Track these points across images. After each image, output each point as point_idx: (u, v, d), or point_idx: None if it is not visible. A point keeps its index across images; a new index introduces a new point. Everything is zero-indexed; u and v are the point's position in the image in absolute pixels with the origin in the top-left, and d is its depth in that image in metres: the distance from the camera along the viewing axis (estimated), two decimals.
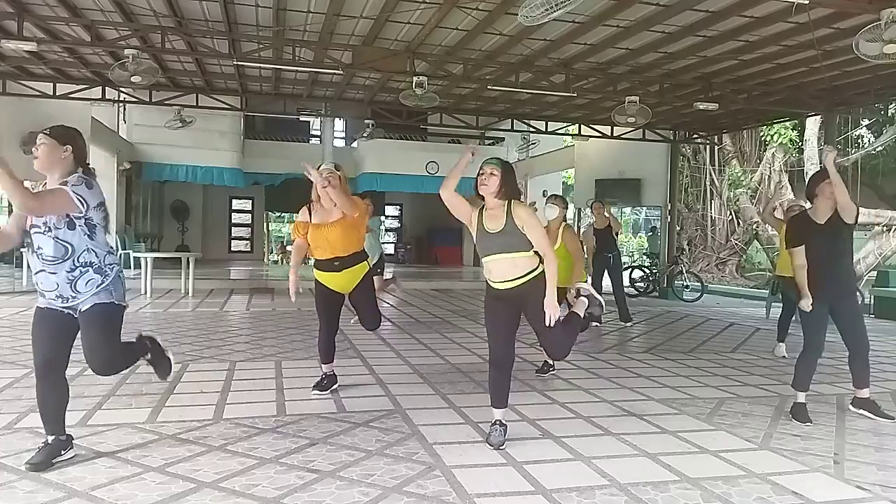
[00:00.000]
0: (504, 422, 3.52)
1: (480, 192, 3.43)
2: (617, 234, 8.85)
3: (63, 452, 3.05)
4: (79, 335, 3.03)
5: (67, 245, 2.94)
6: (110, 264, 3.08)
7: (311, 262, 4.58)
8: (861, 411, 4.28)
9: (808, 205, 4.32)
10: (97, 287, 3.00)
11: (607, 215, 8.60)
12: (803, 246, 4.11)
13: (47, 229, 2.94)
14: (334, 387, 4.54)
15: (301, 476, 2.96)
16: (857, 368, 4.29)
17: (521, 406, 4.26)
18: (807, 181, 4.39)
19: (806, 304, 4.05)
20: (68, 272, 2.96)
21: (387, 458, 3.22)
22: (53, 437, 3.04)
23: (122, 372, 3.38)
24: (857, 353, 4.26)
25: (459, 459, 3.23)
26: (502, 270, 3.40)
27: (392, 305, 10.24)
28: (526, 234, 3.34)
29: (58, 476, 2.89)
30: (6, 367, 5.07)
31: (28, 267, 3.08)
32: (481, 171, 3.43)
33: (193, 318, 8.17)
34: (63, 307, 3.01)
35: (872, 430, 3.98)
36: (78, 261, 2.97)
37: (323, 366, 4.57)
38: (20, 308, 8.63)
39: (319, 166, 4.39)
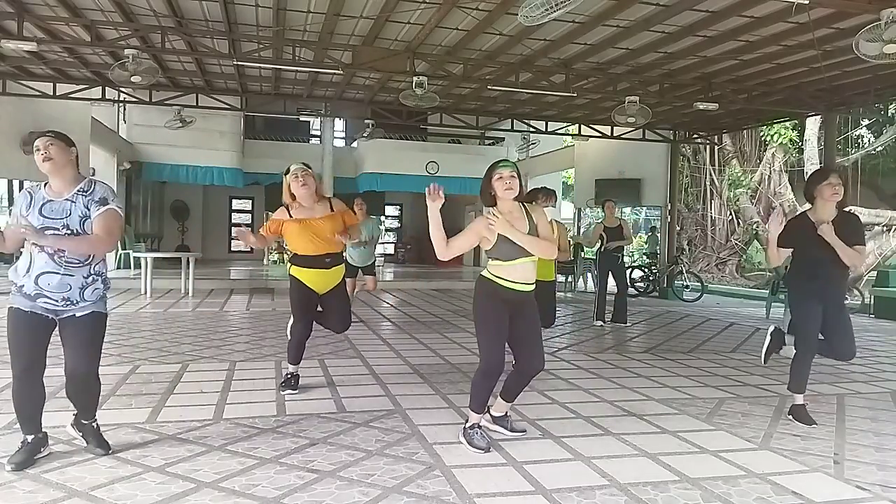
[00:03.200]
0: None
1: (503, 196, 3.37)
2: (629, 241, 8.89)
3: (42, 450, 3.11)
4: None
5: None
6: (107, 276, 3.18)
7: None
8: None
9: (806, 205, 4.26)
10: (99, 297, 3.10)
11: (619, 219, 8.66)
12: (791, 249, 4.04)
13: (70, 232, 2.96)
14: (299, 380, 4.55)
15: (301, 476, 2.96)
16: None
17: (521, 406, 4.26)
18: (805, 181, 4.33)
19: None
20: (84, 277, 3.02)
21: (387, 458, 3.22)
22: (32, 436, 3.08)
23: (110, 377, 3.37)
24: (844, 356, 4.14)
25: (459, 459, 3.23)
26: (526, 273, 3.39)
27: (392, 305, 10.24)
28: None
29: (58, 476, 2.89)
30: (6, 367, 5.06)
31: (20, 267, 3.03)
32: (500, 175, 3.36)
33: (193, 318, 8.16)
34: (53, 310, 3.00)
35: (872, 430, 3.98)
36: (94, 268, 3.06)
37: (290, 366, 4.55)
38: None
39: (290, 167, 4.42)
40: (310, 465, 3.10)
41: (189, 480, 2.88)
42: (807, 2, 5.69)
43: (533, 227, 3.39)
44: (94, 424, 3.26)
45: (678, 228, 15.31)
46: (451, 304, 10.72)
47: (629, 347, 6.95)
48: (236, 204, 20.86)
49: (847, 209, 4.17)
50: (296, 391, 4.46)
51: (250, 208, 21.01)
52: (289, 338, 4.60)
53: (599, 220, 8.81)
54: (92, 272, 3.05)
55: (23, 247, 3.06)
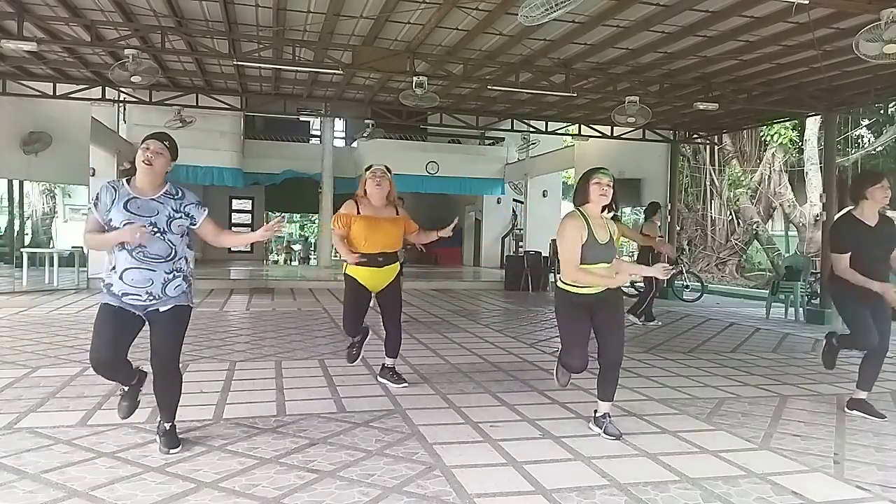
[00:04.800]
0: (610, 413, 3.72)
1: (596, 202, 3.57)
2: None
3: (142, 389, 3.44)
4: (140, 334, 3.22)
5: (172, 246, 3.16)
6: (189, 272, 3.32)
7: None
8: (854, 412, 4.27)
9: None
10: (181, 293, 3.24)
11: (657, 221, 8.98)
12: (850, 254, 4.07)
13: (156, 230, 3.10)
14: (367, 338, 4.81)
15: (301, 476, 2.96)
16: (869, 369, 4.26)
17: (521, 406, 4.27)
18: (852, 180, 4.41)
19: (886, 289, 3.98)
20: (167, 273, 3.16)
21: (387, 458, 3.22)
22: (128, 385, 3.38)
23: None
24: (875, 353, 4.22)
25: (459, 459, 3.23)
26: (600, 279, 3.58)
27: None
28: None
29: (58, 476, 2.89)
30: (6, 367, 5.07)
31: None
32: (598, 181, 3.55)
33: (193, 318, 8.12)
34: (140, 306, 3.13)
35: (872, 430, 3.98)
36: (175, 263, 3.19)
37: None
38: (20, 308, 8.63)
39: (370, 166, 4.59)
40: (310, 465, 3.10)
41: (189, 480, 2.88)
42: (807, 2, 5.69)
43: (612, 238, 3.61)
44: (167, 425, 3.33)
45: (678, 228, 15.30)
46: (452, 304, 10.72)
47: (629, 347, 6.92)
48: (236, 204, 20.87)
49: (886, 213, 4.28)
50: (357, 359, 4.77)
51: (250, 208, 21.02)
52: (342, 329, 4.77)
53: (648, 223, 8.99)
54: (174, 268, 3.19)
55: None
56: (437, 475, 3.01)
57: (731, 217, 19.69)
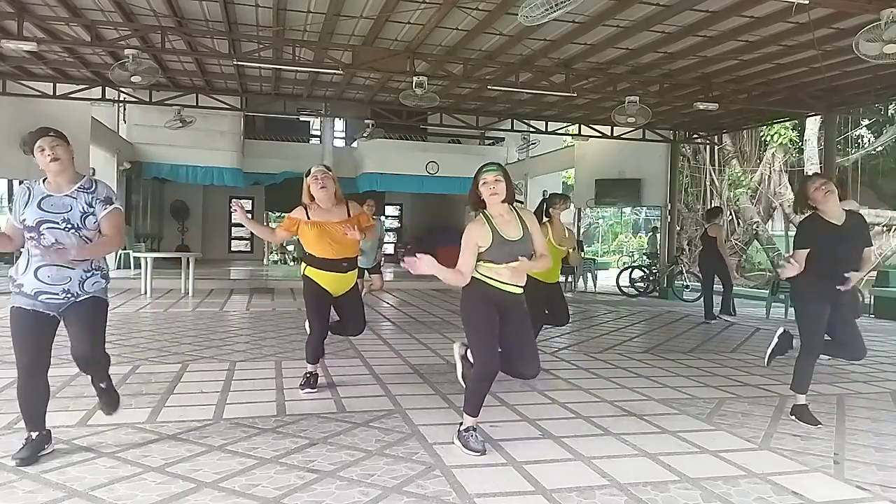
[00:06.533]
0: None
1: (489, 201, 3.33)
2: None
3: (46, 447, 3.15)
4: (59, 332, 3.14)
5: (88, 243, 3.08)
6: (107, 270, 3.25)
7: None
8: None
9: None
10: (100, 289, 3.17)
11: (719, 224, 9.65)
12: (808, 250, 3.95)
13: (70, 227, 3.03)
14: (318, 379, 4.62)
15: (301, 476, 2.96)
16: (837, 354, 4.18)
17: (521, 406, 4.26)
18: (797, 189, 4.24)
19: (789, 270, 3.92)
20: (85, 271, 3.09)
21: (387, 458, 3.22)
22: (37, 433, 3.12)
23: (109, 373, 3.40)
24: (846, 349, 4.12)
25: (459, 459, 3.22)
26: (518, 275, 3.34)
27: (392, 305, 10.24)
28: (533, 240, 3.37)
29: (58, 476, 2.89)
30: (6, 367, 5.06)
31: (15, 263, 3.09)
32: (484, 181, 3.32)
33: (193, 318, 8.16)
34: (55, 305, 3.05)
35: (872, 430, 3.98)
36: (93, 263, 3.13)
37: (309, 366, 4.58)
38: None
39: (310, 168, 4.45)
40: (310, 465, 3.10)
41: (189, 480, 2.88)
42: (807, 2, 5.69)
43: (527, 232, 3.35)
44: (103, 385, 3.36)
45: (678, 228, 15.31)
46: (452, 304, 10.72)
47: (629, 347, 6.94)
48: (236, 204, 20.85)
49: (850, 208, 4.16)
50: (315, 390, 4.49)
51: (250, 208, 21.00)
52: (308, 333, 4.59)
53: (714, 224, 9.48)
54: (92, 266, 3.12)
55: (23, 246, 3.10)
56: (437, 475, 3.01)
57: (731, 217, 19.69)
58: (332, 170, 4.49)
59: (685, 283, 13.28)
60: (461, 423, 3.44)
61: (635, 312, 10.15)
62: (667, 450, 3.46)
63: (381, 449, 3.35)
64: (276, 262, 18.89)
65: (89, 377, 3.38)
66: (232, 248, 20.91)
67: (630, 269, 14.29)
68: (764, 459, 3.37)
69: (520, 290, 3.39)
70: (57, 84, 10.67)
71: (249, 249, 21.06)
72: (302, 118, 18.30)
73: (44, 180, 3.13)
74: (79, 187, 3.10)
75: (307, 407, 4.12)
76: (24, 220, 3.03)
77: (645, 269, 13.81)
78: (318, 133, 19.21)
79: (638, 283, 13.43)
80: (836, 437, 3.81)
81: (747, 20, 7.02)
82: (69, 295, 3.06)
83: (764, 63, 8.59)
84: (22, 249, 3.11)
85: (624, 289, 13.29)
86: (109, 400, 3.43)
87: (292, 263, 20.19)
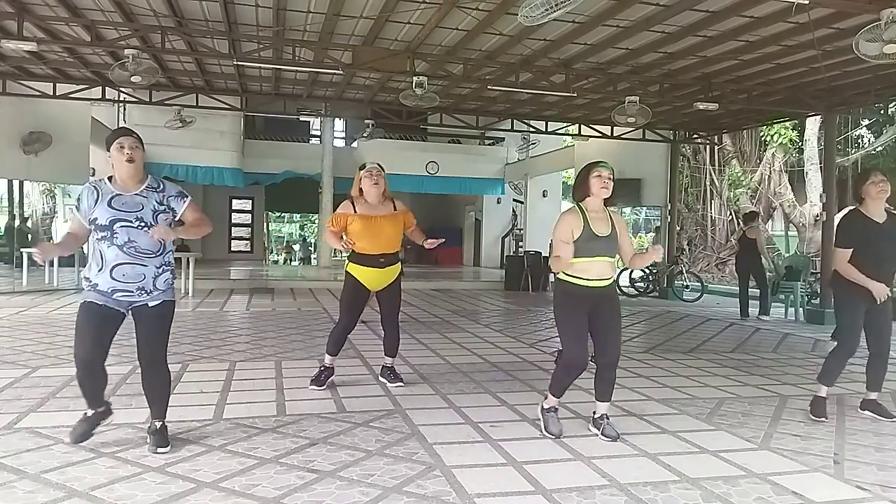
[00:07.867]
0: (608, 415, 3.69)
1: (598, 194, 3.54)
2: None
3: (102, 422, 3.36)
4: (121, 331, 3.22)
5: (162, 241, 3.17)
6: (174, 266, 3.35)
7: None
8: (866, 412, 4.28)
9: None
10: (169, 286, 3.27)
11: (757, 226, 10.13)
12: (851, 250, 4.04)
13: (143, 224, 3.11)
14: (331, 379, 4.65)
15: (301, 476, 2.96)
16: (876, 370, 4.26)
17: (521, 406, 4.26)
18: (852, 181, 4.38)
19: (881, 291, 3.98)
20: (157, 267, 3.18)
21: (387, 458, 3.22)
22: (93, 411, 3.30)
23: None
24: (879, 355, 4.20)
25: (459, 459, 3.23)
26: (604, 270, 3.55)
27: None
28: (620, 241, 3.60)
29: (58, 476, 2.89)
30: (6, 367, 5.07)
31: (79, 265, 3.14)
32: (599, 174, 3.54)
33: (193, 318, 8.16)
34: (127, 302, 3.14)
35: (872, 430, 3.98)
36: (165, 258, 3.23)
37: (327, 357, 4.65)
38: (20, 308, 8.63)
39: (365, 163, 4.60)
40: (310, 465, 3.10)
41: (189, 480, 2.88)
42: (807, 2, 5.69)
43: (614, 231, 3.56)
44: (157, 423, 3.33)
45: (678, 228, 15.31)
46: (451, 304, 10.72)
47: (629, 347, 6.94)
48: (236, 204, 20.85)
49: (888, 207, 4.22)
50: (322, 387, 4.54)
51: (250, 208, 21.01)
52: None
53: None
54: (164, 262, 3.22)
55: (81, 247, 3.23)
56: (437, 475, 3.01)
57: (731, 217, 19.70)
58: (384, 168, 4.64)
59: (685, 283, 13.28)
60: (545, 399, 3.75)
61: (635, 312, 10.14)
62: (667, 450, 3.47)
63: (381, 449, 3.36)
64: (276, 261, 18.89)
65: (149, 420, 3.38)
66: (232, 248, 20.90)
67: (630, 269, 14.28)
68: (764, 459, 3.37)
69: (608, 283, 3.59)
70: (57, 84, 10.66)
71: (249, 249, 21.05)
72: (302, 118, 18.29)
73: (109, 178, 3.21)
74: (147, 186, 3.20)
75: (307, 407, 4.12)
76: (96, 219, 3.09)
77: (645, 269, 13.80)
78: (318, 133, 19.19)
79: (638, 283, 13.42)
80: (836, 437, 3.81)
81: (747, 20, 7.02)
82: (143, 292, 3.15)
83: (764, 63, 8.58)
84: (87, 249, 3.19)
85: (624, 289, 13.28)
86: (160, 440, 3.25)
87: (297, 263, 20.16)
